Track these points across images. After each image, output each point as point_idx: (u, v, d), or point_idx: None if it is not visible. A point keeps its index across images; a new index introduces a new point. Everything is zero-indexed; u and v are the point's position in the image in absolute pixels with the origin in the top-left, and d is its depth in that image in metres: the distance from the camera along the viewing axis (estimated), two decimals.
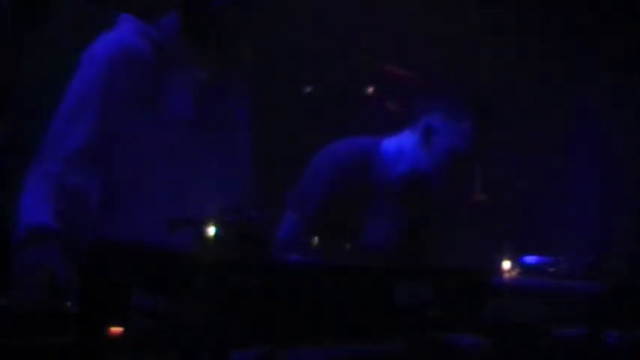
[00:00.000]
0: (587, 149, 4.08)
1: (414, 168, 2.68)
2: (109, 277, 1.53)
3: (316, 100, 3.17)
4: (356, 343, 1.54)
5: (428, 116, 2.69)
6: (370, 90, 2.91)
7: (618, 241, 3.68)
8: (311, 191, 2.60)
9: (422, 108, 2.73)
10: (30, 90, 2.99)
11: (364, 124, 2.87)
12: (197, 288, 1.41)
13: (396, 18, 3.45)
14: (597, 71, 3.92)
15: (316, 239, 1.84)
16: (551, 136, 3.92)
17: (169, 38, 2.10)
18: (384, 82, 2.86)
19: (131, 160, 2.06)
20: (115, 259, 1.57)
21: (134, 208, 1.98)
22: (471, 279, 1.75)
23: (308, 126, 2.78)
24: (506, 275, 2.00)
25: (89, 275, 1.56)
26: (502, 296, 1.82)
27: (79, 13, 3.09)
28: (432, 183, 2.71)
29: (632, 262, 2.23)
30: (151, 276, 1.52)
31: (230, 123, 2.20)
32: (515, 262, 2.04)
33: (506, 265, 2.02)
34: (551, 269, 2.06)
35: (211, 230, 1.52)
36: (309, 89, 3.56)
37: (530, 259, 2.08)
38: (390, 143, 2.77)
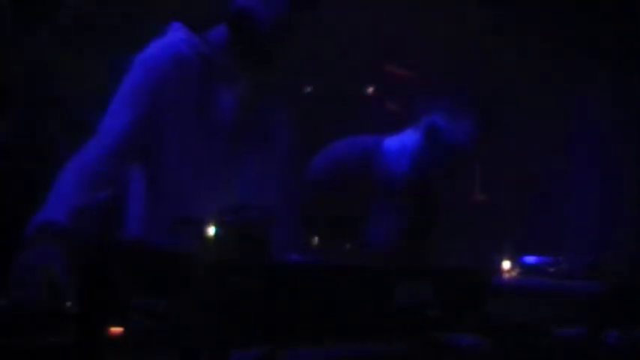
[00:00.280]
0: (587, 149, 4.08)
1: (417, 167, 2.68)
2: (109, 277, 1.53)
3: (316, 100, 3.17)
4: (356, 343, 1.54)
5: (431, 115, 2.70)
6: (370, 90, 2.91)
7: (618, 241, 3.68)
8: (312, 190, 2.60)
9: (424, 107, 2.73)
10: (30, 90, 2.99)
11: (364, 124, 2.87)
12: (197, 288, 1.41)
13: (396, 18, 3.45)
14: (597, 71, 3.92)
15: (316, 239, 1.84)
16: (551, 136, 3.92)
17: (217, 52, 2.16)
18: (384, 82, 2.85)
19: (175, 165, 2.11)
20: (115, 259, 1.57)
21: (174, 210, 2.01)
22: (471, 279, 1.75)
23: (308, 126, 2.78)
24: (506, 275, 2.01)
25: (89, 275, 1.56)
26: (502, 296, 1.82)
27: (79, 13, 3.09)
28: (433, 182, 2.71)
29: (632, 262, 2.23)
30: (151, 276, 1.52)
31: (266, 135, 2.24)
32: (515, 262, 2.04)
33: (506, 265, 2.02)
34: (551, 269, 2.06)
35: (211, 230, 1.53)
36: (309, 89, 3.56)
37: (530, 259, 2.08)
38: (392, 142, 2.77)
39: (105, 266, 1.56)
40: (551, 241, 3.35)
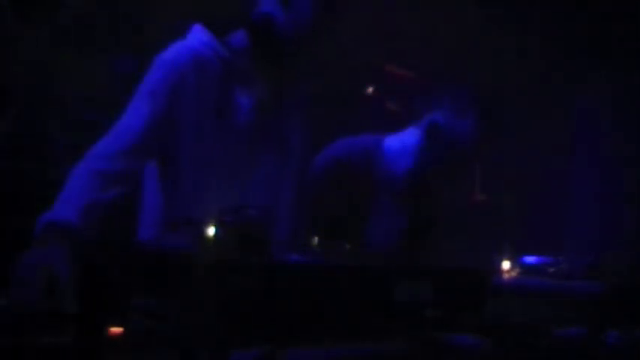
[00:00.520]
0: (588, 149, 4.08)
1: (417, 165, 2.68)
2: (109, 277, 1.53)
3: (316, 100, 3.17)
4: (356, 343, 1.54)
5: (432, 113, 2.69)
6: (370, 90, 2.91)
7: (618, 241, 3.69)
8: (314, 190, 2.60)
9: (425, 105, 2.73)
10: (30, 90, 2.99)
11: (364, 124, 2.87)
12: (197, 288, 1.41)
13: (396, 18, 3.45)
14: (597, 71, 3.92)
15: (316, 239, 1.84)
16: (552, 136, 3.92)
17: (237, 56, 2.18)
18: (384, 82, 2.85)
19: (192, 166, 2.12)
20: (115, 259, 1.57)
21: (189, 211, 2.01)
22: (471, 279, 1.75)
23: (307, 126, 2.78)
24: (506, 275, 2.00)
25: (89, 275, 1.56)
26: (502, 296, 1.82)
27: (79, 13, 3.09)
28: (434, 181, 2.71)
29: (632, 262, 2.23)
30: (152, 276, 1.52)
31: (282, 138, 2.27)
32: (515, 262, 2.04)
33: (506, 265, 2.02)
34: (551, 269, 2.06)
35: (211, 230, 1.53)
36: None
37: (530, 259, 2.08)
38: (393, 141, 2.77)
39: (106, 266, 1.56)
40: (551, 241, 3.35)
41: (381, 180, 2.69)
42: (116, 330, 1.44)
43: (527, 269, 2.04)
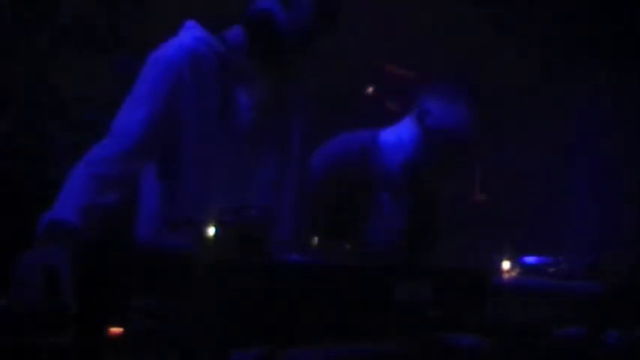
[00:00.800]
0: (588, 149, 4.08)
1: (412, 156, 2.68)
2: (109, 277, 1.53)
3: (316, 100, 3.17)
4: (356, 343, 1.54)
5: (425, 101, 2.69)
6: (370, 90, 2.91)
7: (618, 241, 3.68)
8: (311, 188, 2.60)
9: (420, 94, 2.73)
10: (30, 90, 2.99)
11: (364, 124, 2.87)
12: (197, 288, 1.41)
13: (396, 18, 3.45)
14: (597, 71, 3.92)
15: (316, 239, 1.84)
16: (551, 136, 3.92)
17: (234, 52, 2.15)
18: (384, 82, 2.85)
19: (193, 166, 2.09)
20: (115, 259, 1.57)
21: (190, 211, 1.99)
22: (471, 279, 1.75)
23: (307, 125, 2.78)
24: (506, 275, 2.00)
25: (89, 275, 1.57)
26: (502, 296, 1.82)
27: (79, 13, 3.09)
28: (430, 174, 2.70)
29: (632, 262, 2.23)
30: (151, 276, 1.52)
31: (283, 138, 2.25)
32: (515, 262, 2.04)
33: (506, 265, 2.02)
34: (551, 269, 2.06)
35: (211, 230, 1.52)
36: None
37: (530, 259, 2.08)
38: (388, 134, 2.76)
39: (106, 266, 1.56)
40: (551, 241, 3.34)
41: (379, 175, 2.69)
42: (116, 330, 1.44)
43: (527, 269, 2.04)
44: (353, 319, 1.54)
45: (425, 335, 1.62)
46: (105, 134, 2.04)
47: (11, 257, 1.72)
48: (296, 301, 1.48)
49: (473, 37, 3.55)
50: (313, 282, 1.52)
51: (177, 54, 2.11)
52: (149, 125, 2.04)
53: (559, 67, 3.86)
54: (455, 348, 1.64)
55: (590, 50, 3.85)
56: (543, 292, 1.90)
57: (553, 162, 3.95)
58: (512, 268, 2.02)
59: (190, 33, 2.18)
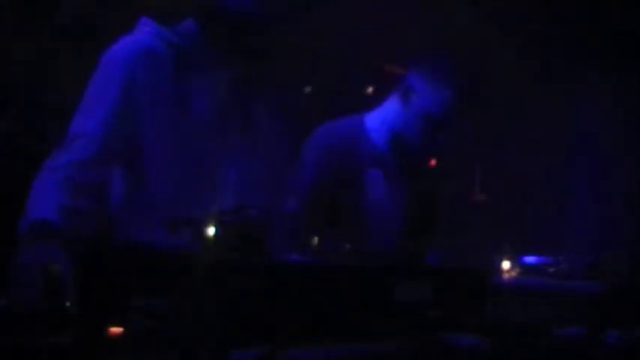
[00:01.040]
0: (588, 149, 4.08)
1: (397, 132, 2.68)
2: (109, 277, 1.53)
3: (316, 100, 3.17)
4: (356, 343, 1.54)
5: (411, 75, 2.69)
6: (370, 90, 2.91)
7: (618, 241, 3.68)
8: (305, 178, 2.59)
9: (408, 66, 2.73)
10: (30, 90, 2.99)
11: None
12: (197, 288, 1.41)
13: (395, 17, 3.45)
14: (597, 71, 3.92)
15: (316, 239, 1.84)
16: (552, 136, 3.92)
17: (189, 43, 2.12)
18: (384, 82, 2.85)
19: (158, 163, 2.05)
20: (115, 259, 1.57)
21: (162, 210, 1.97)
22: (471, 279, 1.75)
23: (307, 126, 2.78)
24: (506, 275, 2.00)
25: (89, 275, 1.56)
26: (502, 296, 1.82)
27: (79, 13, 3.09)
28: (417, 148, 2.69)
29: (632, 262, 2.23)
30: (151, 276, 1.52)
31: (253, 129, 2.21)
32: (515, 262, 2.04)
33: (506, 265, 2.02)
34: (551, 269, 2.06)
35: (211, 230, 1.52)
36: (309, 89, 3.56)
37: (530, 259, 2.08)
38: (373, 117, 2.76)
39: (106, 266, 1.56)
40: (551, 241, 3.35)
41: (369, 156, 2.68)
42: (116, 330, 1.44)
43: (527, 269, 2.04)
44: (353, 319, 1.54)
45: (425, 335, 1.62)
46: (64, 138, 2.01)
47: (11, 257, 1.72)
48: (296, 301, 1.48)
49: (473, 37, 3.55)
50: (313, 282, 1.52)
51: (130, 51, 2.07)
52: (109, 127, 2.00)
53: (559, 67, 3.86)
54: (455, 348, 1.64)
55: (590, 50, 3.85)
56: (543, 292, 1.90)
57: (553, 162, 3.95)
58: (512, 268, 2.02)
59: (144, 29, 2.13)
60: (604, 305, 1.89)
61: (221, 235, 1.52)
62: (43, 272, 1.65)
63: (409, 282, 1.62)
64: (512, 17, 3.75)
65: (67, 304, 1.59)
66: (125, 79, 2.04)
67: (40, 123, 2.98)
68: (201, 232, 1.52)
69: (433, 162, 2.83)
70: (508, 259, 2.02)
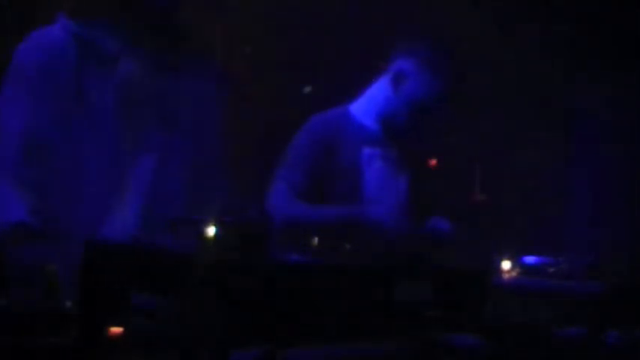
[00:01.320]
0: (588, 149, 4.08)
1: (388, 112, 2.69)
2: (109, 277, 1.53)
3: (315, 100, 3.17)
4: (356, 343, 1.54)
5: (403, 60, 2.70)
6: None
7: (618, 241, 3.68)
8: (296, 164, 2.59)
9: (399, 51, 2.73)
10: None
11: None
12: (197, 288, 1.41)
13: (395, 17, 3.45)
14: (597, 71, 3.92)
15: (316, 239, 1.83)
16: (552, 136, 3.92)
17: (100, 34, 2.10)
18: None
19: (65, 157, 2.04)
20: (115, 259, 1.57)
21: (67, 204, 1.96)
22: (471, 279, 1.75)
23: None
24: (506, 275, 2.00)
25: (89, 275, 1.56)
26: (502, 296, 1.82)
27: None
28: (403, 131, 2.70)
29: (632, 262, 2.23)
30: (151, 276, 1.52)
31: (171, 119, 2.17)
32: (515, 262, 2.04)
33: (506, 265, 2.02)
34: (551, 269, 2.06)
35: (211, 230, 1.52)
36: (308, 89, 3.56)
37: (530, 259, 2.08)
38: (359, 102, 2.77)
39: (106, 266, 1.56)
40: (551, 241, 3.35)
41: (364, 140, 2.68)
42: (116, 330, 1.44)
43: (527, 269, 2.04)
44: (353, 319, 1.54)
45: (425, 335, 1.62)
46: None
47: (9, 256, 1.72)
48: (296, 301, 1.48)
49: (472, 37, 3.55)
50: (313, 282, 1.51)
51: (31, 45, 2.09)
52: (29, 125, 2.00)
53: (559, 67, 3.86)
54: (455, 348, 1.64)
55: (590, 50, 3.85)
56: (543, 292, 1.90)
57: (553, 162, 3.95)
58: (512, 268, 2.01)
59: (55, 25, 2.13)
60: (604, 305, 1.89)
61: (221, 235, 1.52)
62: (43, 272, 1.65)
63: (409, 282, 1.62)
64: (512, 17, 3.75)
65: (67, 304, 1.59)
66: (28, 74, 2.05)
67: None
68: (201, 232, 1.52)
69: (433, 162, 2.84)
70: (508, 259, 2.02)
